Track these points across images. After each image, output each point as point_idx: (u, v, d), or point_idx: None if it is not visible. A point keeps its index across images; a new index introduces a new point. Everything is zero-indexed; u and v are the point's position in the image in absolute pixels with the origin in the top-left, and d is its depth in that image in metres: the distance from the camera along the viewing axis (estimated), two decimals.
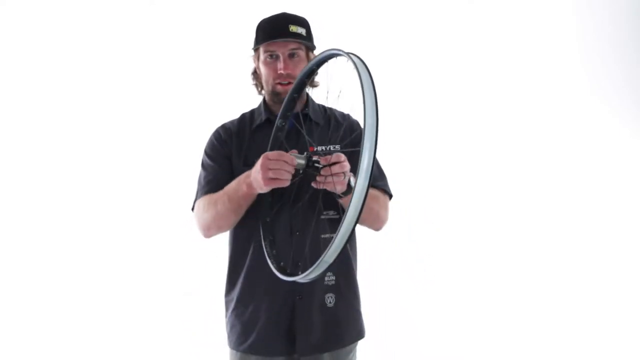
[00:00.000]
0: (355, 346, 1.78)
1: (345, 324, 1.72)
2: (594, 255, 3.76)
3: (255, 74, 1.79)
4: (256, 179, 1.49)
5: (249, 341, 1.68)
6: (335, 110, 1.83)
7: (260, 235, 1.64)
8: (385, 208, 1.76)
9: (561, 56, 4.04)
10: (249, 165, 1.67)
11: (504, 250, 3.72)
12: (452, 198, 3.77)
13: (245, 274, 1.70)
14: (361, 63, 1.25)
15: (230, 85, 3.63)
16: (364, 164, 1.17)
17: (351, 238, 1.28)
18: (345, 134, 1.74)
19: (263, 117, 1.76)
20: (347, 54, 1.30)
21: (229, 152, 1.75)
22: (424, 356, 3.22)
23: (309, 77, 1.55)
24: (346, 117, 1.82)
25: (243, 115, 1.83)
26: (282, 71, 1.64)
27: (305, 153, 1.45)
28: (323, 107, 1.83)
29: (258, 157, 1.67)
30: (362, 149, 1.17)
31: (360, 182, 1.18)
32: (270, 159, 1.43)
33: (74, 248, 3.56)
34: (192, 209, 1.79)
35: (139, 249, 3.55)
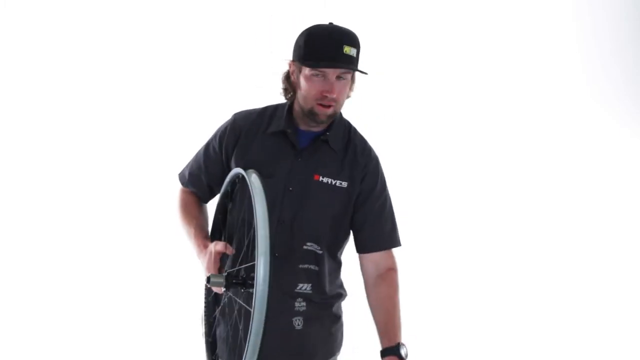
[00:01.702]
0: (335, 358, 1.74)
1: (312, 347, 1.66)
2: (594, 254, 3.76)
3: (289, 79, 1.64)
4: (201, 264, 1.56)
5: (216, 353, 1.69)
6: (359, 138, 1.69)
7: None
8: (399, 285, 1.68)
9: (561, 57, 4.04)
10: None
11: (506, 252, 3.71)
12: (454, 201, 3.77)
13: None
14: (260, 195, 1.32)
15: (230, 85, 3.64)
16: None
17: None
18: (358, 174, 1.63)
19: (281, 125, 1.63)
20: (247, 174, 1.39)
21: (226, 152, 1.67)
22: None
23: (226, 196, 1.62)
24: (366, 154, 1.67)
25: (265, 110, 1.71)
26: (328, 94, 1.53)
27: (224, 271, 1.48)
28: (349, 128, 1.69)
29: (261, 168, 1.56)
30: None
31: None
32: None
33: (72, 248, 3.56)
34: (179, 176, 1.80)
35: (135, 249, 3.54)
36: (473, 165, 3.84)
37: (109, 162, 3.68)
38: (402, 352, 1.52)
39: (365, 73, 1.56)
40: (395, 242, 1.69)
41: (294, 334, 1.62)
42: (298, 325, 1.62)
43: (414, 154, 3.74)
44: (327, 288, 1.67)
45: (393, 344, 1.54)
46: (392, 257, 1.68)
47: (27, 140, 3.65)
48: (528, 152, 3.95)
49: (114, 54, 3.70)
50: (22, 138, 3.65)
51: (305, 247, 1.61)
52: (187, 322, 3.35)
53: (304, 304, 1.62)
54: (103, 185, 3.66)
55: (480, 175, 3.82)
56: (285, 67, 1.65)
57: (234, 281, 1.42)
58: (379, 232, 1.65)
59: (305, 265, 1.61)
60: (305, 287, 1.61)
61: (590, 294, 3.61)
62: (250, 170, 1.42)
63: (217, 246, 1.49)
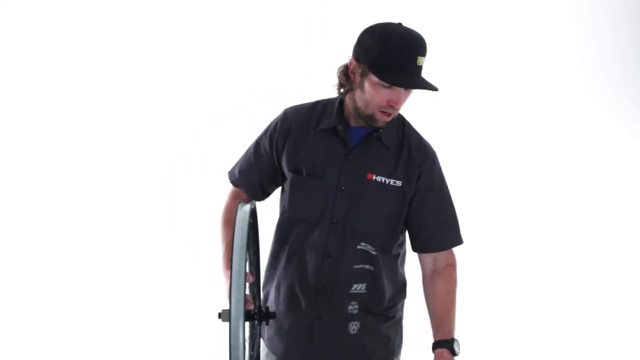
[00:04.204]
0: None
1: (368, 350, 1.62)
2: (595, 254, 3.76)
3: (347, 75, 1.52)
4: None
5: (266, 338, 1.66)
6: (414, 133, 1.62)
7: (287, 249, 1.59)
8: (456, 282, 1.67)
9: (561, 57, 4.04)
10: (299, 173, 1.57)
11: (506, 252, 3.71)
12: (453, 200, 3.76)
13: (277, 280, 1.64)
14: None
15: (226, 84, 3.65)
16: None
17: None
18: (413, 173, 1.55)
19: (332, 122, 1.56)
20: (239, 206, 1.33)
21: (276, 151, 1.62)
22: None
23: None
24: (422, 151, 1.60)
25: (315, 105, 1.63)
26: (395, 105, 1.45)
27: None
28: (403, 123, 1.61)
29: (312, 167, 1.56)
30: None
31: None
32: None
33: (72, 248, 3.56)
34: (229, 175, 1.72)
35: (135, 249, 3.55)
36: (473, 164, 3.84)
37: (111, 162, 3.68)
38: (456, 348, 1.51)
39: (436, 89, 1.50)
40: (454, 242, 1.66)
41: (349, 339, 1.58)
42: (353, 330, 1.58)
43: None
44: (386, 287, 1.61)
45: (448, 337, 1.52)
46: (451, 254, 1.65)
47: (27, 140, 3.65)
48: (528, 152, 3.95)
49: (115, 54, 3.71)
50: (22, 138, 3.65)
51: (359, 247, 1.55)
52: (188, 322, 3.36)
53: (356, 307, 1.57)
54: (104, 185, 3.66)
55: (480, 174, 3.82)
56: (344, 61, 1.53)
57: (251, 313, 1.39)
58: (437, 234, 1.61)
59: (360, 266, 1.56)
60: (360, 287, 1.57)
61: (590, 293, 3.61)
62: (246, 204, 1.37)
63: None
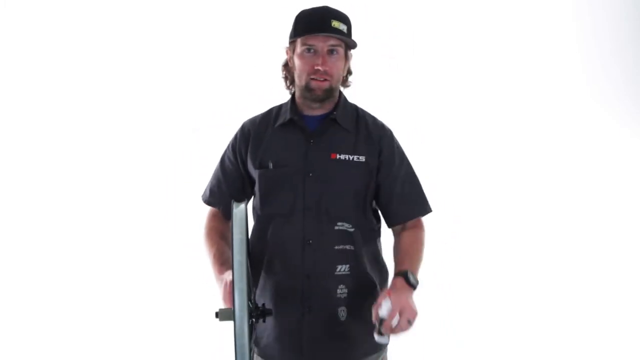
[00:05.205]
0: (380, 355, 1.70)
1: (358, 339, 1.63)
2: (595, 254, 3.76)
3: (287, 66, 1.68)
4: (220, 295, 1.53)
5: (261, 345, 1.66)
6: (369, 115, 1.71)
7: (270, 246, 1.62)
8: (424, 239, 1.68)
9: (561, 57, 4.04)
10: (266, 167, 1.63)
11: (506, 253, 3.71)
12: (452, 201, 3.76)
13: (261, 281, 1.65)
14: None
15: (224, 84, 3.66)
16: None
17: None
18: (374, 148, 1.64)
19: (287, 116, 1.65)
20: (234, 205, 1.39)
21: (241, 159, 1.69)
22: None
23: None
24: (379, 127, 1.69)
25: (270, 111, 1.74)
26: (319, 67, 1.55)
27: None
28: (355, 109, 1.71)
29: (277, 159, 1.62)
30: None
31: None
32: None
33: (73, 249, 3.56)
34: (202, 198, 1.78)
35: (135, 249, 3.55)
36: (472, 165, 3.84)
37: (111, 162, 3.69)
38: (411, 277, 1.50)
39: (355, 44, 1.60)
40: (422, 212, 1.71)
41: (338, 325, 1.61)
42: (342, 316, 1.61)
43: (411, 155, 3.73)
44: (368, 267, 1.65)
45: (403, 269, 1.53)
46: (419, 222, 1.70)
47: (26, 140, 3.66)
48: (528, 152, 3.95)
49: (115, 54, 3.71)
50: (22, 138, 3.66)
51: (336, 227, 1.60)
52: (187, 322, 3.36)
53: (345, 290, 1.60)
54: (104, 185, 3.67)
55: (480, 175, 3.82)
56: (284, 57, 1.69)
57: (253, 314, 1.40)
58: (404, 205, 1.66)
59: (341, 246, 1.60)
60: (343, 269, 1.60)
61: (590, 294, 3.61)
62: (240, 204, 1.44)
63: (230, 276, 1.42)
